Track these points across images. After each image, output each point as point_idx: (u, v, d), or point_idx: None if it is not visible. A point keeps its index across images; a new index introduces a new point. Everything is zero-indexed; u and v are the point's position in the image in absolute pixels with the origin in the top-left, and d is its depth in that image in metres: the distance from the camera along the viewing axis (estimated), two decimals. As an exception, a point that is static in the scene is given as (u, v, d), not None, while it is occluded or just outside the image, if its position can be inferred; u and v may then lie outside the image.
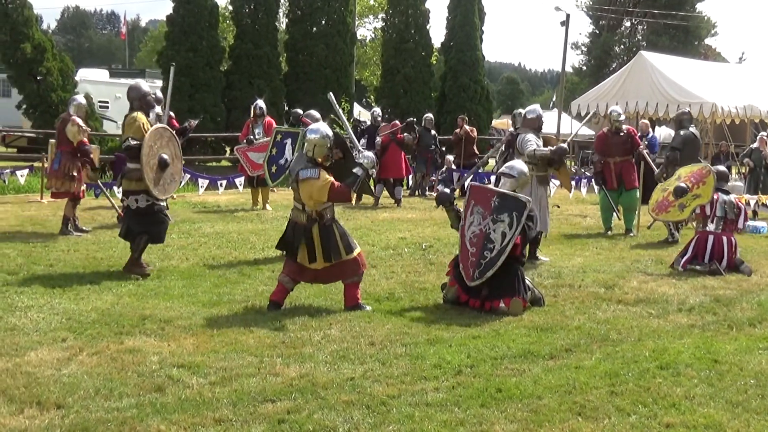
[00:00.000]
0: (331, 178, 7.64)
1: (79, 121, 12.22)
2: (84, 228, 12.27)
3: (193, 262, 10.19)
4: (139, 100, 9.53)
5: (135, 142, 9.19)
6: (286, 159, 11.13)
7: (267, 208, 15.78)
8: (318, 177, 7.59)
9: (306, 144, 7.78)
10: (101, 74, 34.95)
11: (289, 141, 11.19)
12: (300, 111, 12.17)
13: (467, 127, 20.57)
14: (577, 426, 5.03)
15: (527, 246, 8.51)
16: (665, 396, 5.56)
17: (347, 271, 7.89)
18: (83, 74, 31.95)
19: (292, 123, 11.99)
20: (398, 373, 5.94)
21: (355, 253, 7.91)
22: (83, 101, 12.94)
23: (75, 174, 12.09)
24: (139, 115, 9.40)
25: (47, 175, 12.47)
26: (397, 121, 18.86)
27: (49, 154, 13.60)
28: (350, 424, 5.01)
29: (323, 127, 7.96)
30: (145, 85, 9.84)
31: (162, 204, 9.64)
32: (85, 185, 12.73)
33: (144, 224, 9.45)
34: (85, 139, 12.24)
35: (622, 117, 13.86)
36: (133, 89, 9.63)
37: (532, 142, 10.44)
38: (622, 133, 13.44)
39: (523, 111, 17.55)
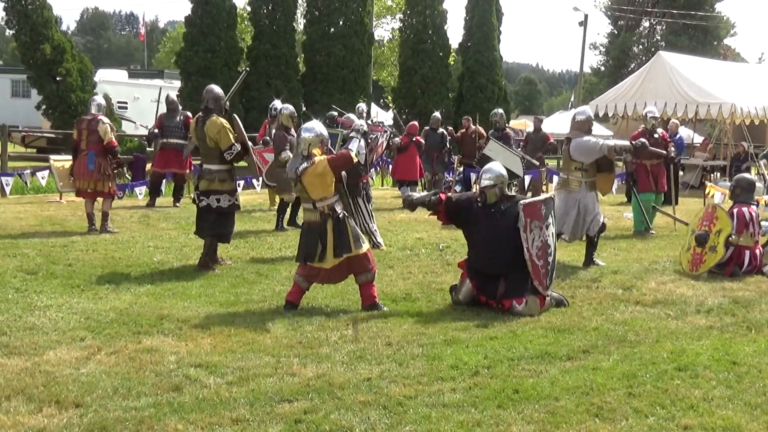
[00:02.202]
0: (326, 156, 7.89)
1: (108, 120, 12.41)
2: (96, 227, 12.35)
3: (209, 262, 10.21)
4: (214, 102, 9.74)
5: (238, 146, 9.58)
6: None
7: (284, 209, 15.80)
8: (314, 162, 7.79)
9: (301, 143, 7.94)
10: (120, 75, 35.19)
11: (328, 143, 11.26)
12: (335, 113, 12.22)
13: (480, 129, 20.54)
14: (595, 427, 5.02)
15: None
16: (683, 398, 5.53)
17: (357, 267, 7.90)
18: (102, 75, 32.16)
19: (328, 124, 12.01)
20: (415, 374, 5.94)
21: (364, 249, 7.93)
22: (104, 101, 13.08)
23: (110, 173, 12.36)
24: (223, 121, 9.63)
25: (76, 177, 12.46)
26: (415, 123, 18.88)
27: (60, 160, 13.54)
28: (367, 424, 5.01)
29: (317, 126, 8.17)
30: (218, 88, 9.98)
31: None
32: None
33: (229, 223, 9.92)
34: (114, 140, 12.41)
35: (658, 117, 13.79)
36: (208, 91, 9.84)
37: (593, 140, 10.31)
38: (656, 135, 13.37)
39: (500, 111, 17.55)
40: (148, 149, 21.91)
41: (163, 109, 17.03)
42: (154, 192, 16.08)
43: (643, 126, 13.83)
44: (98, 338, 6.73)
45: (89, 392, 5.43)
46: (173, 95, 16.70)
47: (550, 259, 8.10)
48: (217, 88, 9.93)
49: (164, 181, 16.50)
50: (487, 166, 8.55)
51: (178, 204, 15.91)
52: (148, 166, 18.54)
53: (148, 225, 13.41)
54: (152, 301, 8.11)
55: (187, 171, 16.22)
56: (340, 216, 7.83)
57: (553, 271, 8.18)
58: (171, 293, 8.47)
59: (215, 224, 9.79)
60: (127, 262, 10.11)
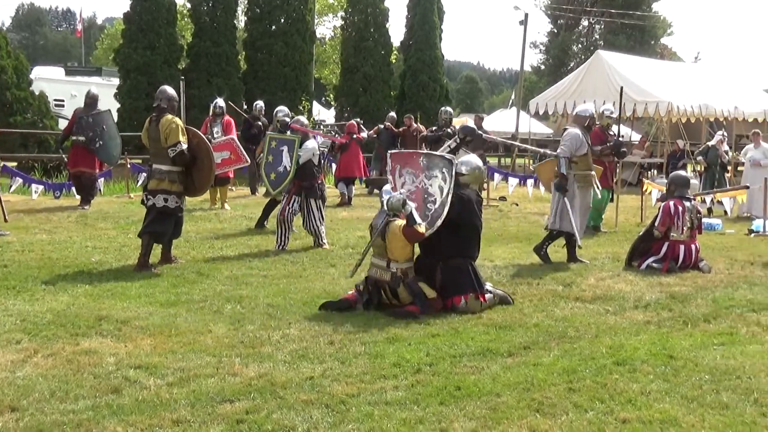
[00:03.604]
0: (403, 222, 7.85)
1: None
2: None
3: (150, 261, 10.09)
4: (168, 102, 9.78)
5: (184, 146, 9.55)
6: (285, 167, 11.24)
7: (226, 208, 15.71)
8: (395, 221, 7.89)
9: (385, 205, 7.93)
10: (57, 72, 34.48)
11: (285, 148, 11.32)
12: (288, 119, 12.18)
13: (421, 127, 20.65)
14: (535, 423, 5.06)
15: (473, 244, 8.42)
16: (622, 392, 5.61)
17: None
18: (38, 72, 31.48)
19: (280, 130, 12.00)
20: (357, 372, 5.94)
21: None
22: None
23: None
24: (176, 119, 9.69)
25: None
26: (354, 122, 18.89)
27: None
28: (309, 423, 5.00)
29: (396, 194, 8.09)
30: (171, 89, 10.02)
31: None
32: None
33: (169, 224, 9.85)
34: None
35: (614, 115, 13.92)
36: (162, 92, 9.87)
37: (566, 146, 10.43)
38: (612, 132, 13.51)
39: (449, 109, 17.78)
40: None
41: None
42: (81, 192, 15.54)
43: (599, 124, 13.90)
44: (35, 340, 6.61)
45: (25, 396, 5.32)
46: (94, 90, 16.09)
47: (431, 206, 8.09)
48: (170, 89, 9.96)
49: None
50: (466, 158, 8.69)
51: (86, 206, 15.25)
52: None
53: (85, 225, 13.20)
54: (90, 302, 7.98)
55: (97, 171, 15.65)
56: (410, 282, 7.84)
57: (438, 219, 8.00)
58: (110, 294, 8.35)
59: (153, 222, 9.75)
60: (64, 262, 9.94)
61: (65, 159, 16.13)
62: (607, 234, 13.27)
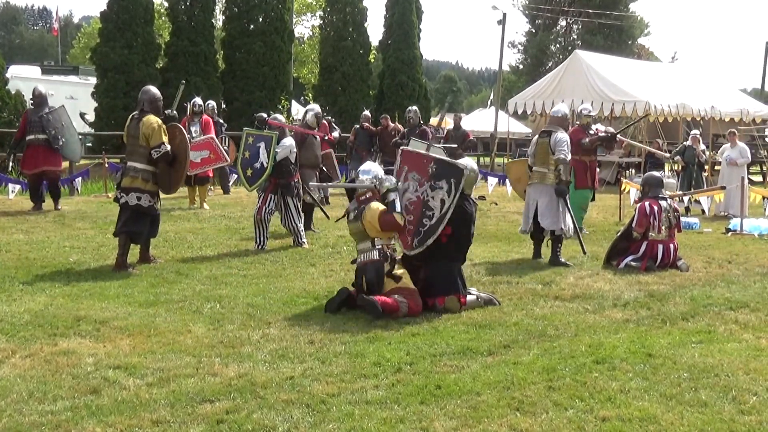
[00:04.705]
0: (383, 207, 7.95)
1: None
2: None
3: (128, 261, 10.03)
4: (150, 103, 9.74)
5: (167, 147, 9.55)
6: (262, 164, 11.19)
7: (204, 207, 15.66)
8: (369, 207, 7.92)
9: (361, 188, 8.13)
10: (33, 71, 34.26)
11: (262, 144, 11.28)
12: (264, 114, 12.17)
13: (399, 126, 20.64)
14: (516, 421, 5.07)
15: (467, 246, 8.39)
16: (601, 390, 5.63)
17: (400, 292, 7.81)
18: (14, 71, 31.27)
19: (257, 126, 11.96)
20: (338, 372, 5.93)
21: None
22: None
23: None
24: (157, 119, 9.66)
25: None
26: (325, 122, 18.83)
27: None
28: (290, 423, 4.98)
29: (374, 168, 8.33)
30: (155, 89, 9.98)
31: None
32: None
33: (144, 224, 9.80)
34: None
35: (593, 114, 13.94)
36: (144, 92, 9.82)
37: (565, 151, 10.40)
38: (591, 131, 13.53)
39: (414, 108, 17.95)
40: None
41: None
42: (35, 196, 15.05)
43: (578, 123, 13.93)
44: (12, 341, 6.56)
45: (3, 397, 5.28)
46: (41, 88, 15.87)
47: (426, 221, 7.90)
48: (153, 89, 9.92)
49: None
50: (459, 161, 8.50)
51: (59, 207, 15.05)
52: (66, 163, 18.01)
53: (63, 224, 13.12)
54: (68, 302, 7.93)
55: (60, 168, 15.38)
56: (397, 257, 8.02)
57: (431, 236, 7.85)
58: (88, 294, 8.30)
59: (129, 221, 9.69)
60: (41, 262, 9.87)
61: (12, 158, 15.97)
62: (587, 233, 13.31)
